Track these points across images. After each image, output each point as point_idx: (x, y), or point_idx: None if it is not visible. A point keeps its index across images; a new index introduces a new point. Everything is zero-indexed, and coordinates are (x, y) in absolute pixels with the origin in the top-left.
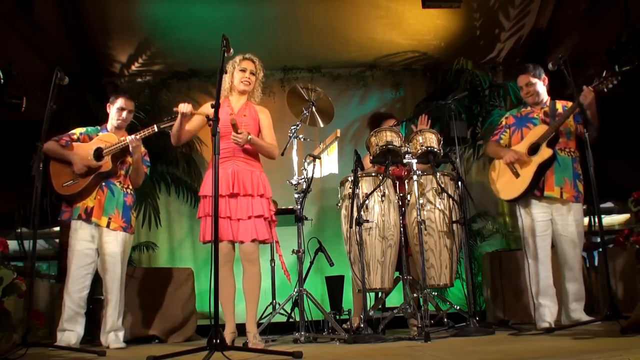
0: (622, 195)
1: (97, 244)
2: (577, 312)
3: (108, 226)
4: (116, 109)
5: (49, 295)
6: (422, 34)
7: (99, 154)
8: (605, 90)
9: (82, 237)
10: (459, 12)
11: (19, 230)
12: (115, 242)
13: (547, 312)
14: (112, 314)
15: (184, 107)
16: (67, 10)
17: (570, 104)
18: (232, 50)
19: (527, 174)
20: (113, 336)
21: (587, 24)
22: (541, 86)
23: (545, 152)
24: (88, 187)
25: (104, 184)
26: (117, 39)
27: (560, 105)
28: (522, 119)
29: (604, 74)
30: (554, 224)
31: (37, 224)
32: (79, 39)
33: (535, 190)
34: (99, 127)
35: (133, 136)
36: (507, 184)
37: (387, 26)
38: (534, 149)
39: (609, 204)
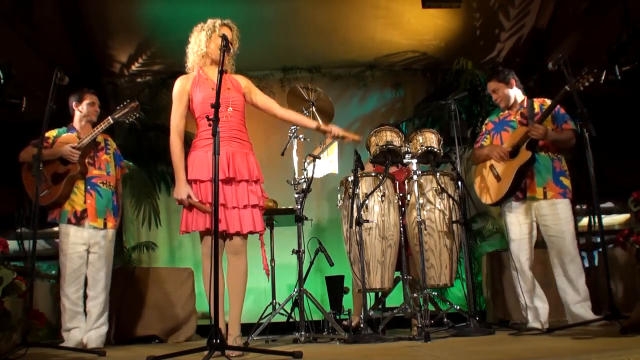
0: (622, 195)
1: (89, 244)
2: (583, 310)
3: (105, 227)
4: (88, 105)
5: (49, 295)
6: (422, 34)
7: (64, 159)
8: (582, 88)
9: (73, 240)
10: (459, 12)
11: (19, 230)
12: (105, 240)
13: (539, 313)
14: (94, 311)
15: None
16: (67, 10)
17: (548, 102)
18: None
19: (508, 176)
20: (94, 334)
21: (587, 23)
22: (510, 89)
23: (524, 155)
24: (64, 194)
25: (89, 187)
26: (117, 39)
27: (537, 104)
28: (500, 123)
29: (585, 71)
30: (542, 226)
31: (37, 224)
32: (79, 39)
33: (517, 192)
34: (65, 128)
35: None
36: (489, 187)
37: (387, 26)
38: (514, 152)
39: (609, 204)
